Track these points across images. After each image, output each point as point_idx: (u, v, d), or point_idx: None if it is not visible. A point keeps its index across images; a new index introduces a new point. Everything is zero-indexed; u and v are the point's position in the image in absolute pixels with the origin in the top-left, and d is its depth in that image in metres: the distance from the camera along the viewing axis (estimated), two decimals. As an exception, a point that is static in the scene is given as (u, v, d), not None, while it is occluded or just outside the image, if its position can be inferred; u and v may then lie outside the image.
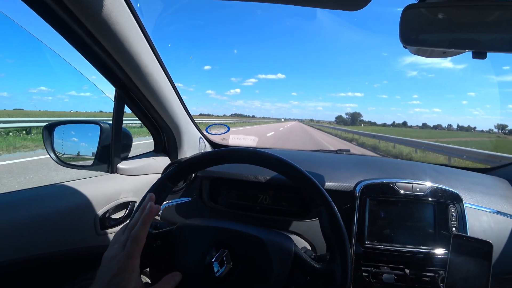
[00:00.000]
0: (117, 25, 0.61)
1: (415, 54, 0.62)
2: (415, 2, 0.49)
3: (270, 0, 0.51)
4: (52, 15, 0.58)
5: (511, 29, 0.45)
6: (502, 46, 0.47)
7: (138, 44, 0.69)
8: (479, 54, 0.48)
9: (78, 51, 0.69)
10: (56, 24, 0.61)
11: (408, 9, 0.49)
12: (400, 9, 0.50)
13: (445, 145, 7.19)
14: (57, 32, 0.64)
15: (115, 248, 0.44)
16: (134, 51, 0.69)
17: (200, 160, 0.58)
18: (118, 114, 0.82)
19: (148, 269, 0.51)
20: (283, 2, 0.51)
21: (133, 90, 0.80)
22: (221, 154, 0.58)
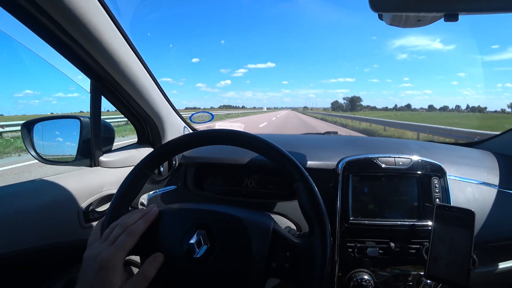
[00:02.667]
0: (83, 14, 0.58)
1: (390, 24, 0.60)
2: None
3: None
4: (12, 5, 0.56)
5: None
6: (473, 6, 0.45)
7: (109, 33, 0.66)
8: (451, 17, 0.47)
9: (47, 42, 0.67)
10: (18, 14, 0.58)
11: None
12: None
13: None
14: (23, 25, 0.62)
15: (95, 246, 0.44)
16: (105, 40, 0.66)
17: (176, 144, 0.57)
18: (95, 106, 0.81)
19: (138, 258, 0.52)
20: None
21: (108, 81, 0.78)
22: (196, 136, 0.57)
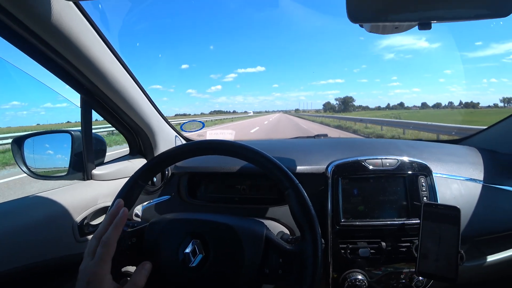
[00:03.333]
0: (69, 32, 0.59)
1: (370, 31, 0.62)
2: None
3: None
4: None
5: None
6: (444, 15, 0.47)
7: (95, 47, 0.67)
8: (424, 26, 0.49)
9: (35, 60, 0.67)
10: (6, 34, 0.59)
11: None
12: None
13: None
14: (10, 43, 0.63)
15: (87, 259, 0.46)
16: (92, 55, 0.67)
17: (168, 156, 0.58)
18: (86, 120, 0.81)
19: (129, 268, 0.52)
20: None
21: (98, 94, 0.78)
22: (189, 147, 0.58)
